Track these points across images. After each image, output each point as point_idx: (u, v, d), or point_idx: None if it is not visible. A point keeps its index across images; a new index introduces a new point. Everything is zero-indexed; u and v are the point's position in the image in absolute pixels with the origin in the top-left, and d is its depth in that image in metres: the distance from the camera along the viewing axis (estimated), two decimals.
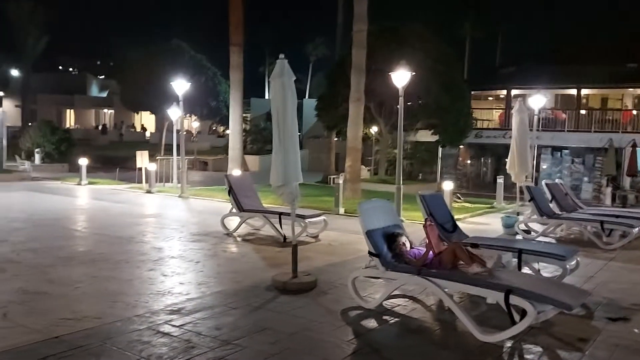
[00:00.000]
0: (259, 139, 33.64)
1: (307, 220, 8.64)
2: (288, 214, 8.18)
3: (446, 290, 4.88)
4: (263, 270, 6.86)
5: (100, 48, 66.89)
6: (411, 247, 5.31)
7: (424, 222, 5.35)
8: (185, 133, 17.98)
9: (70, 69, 63.53)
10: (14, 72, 41.28)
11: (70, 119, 50.61)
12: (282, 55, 6.02)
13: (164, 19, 72.22)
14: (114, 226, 9.85)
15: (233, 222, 9.43)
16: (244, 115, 24.37)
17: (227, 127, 21.70)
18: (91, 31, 70.60)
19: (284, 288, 5.92)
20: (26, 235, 8.60)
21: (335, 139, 24.97)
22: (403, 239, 5.28)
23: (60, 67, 61.63)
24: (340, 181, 12.57)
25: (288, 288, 5.91)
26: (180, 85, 16.05)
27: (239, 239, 8.91)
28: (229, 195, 9.33)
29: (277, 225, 8.70)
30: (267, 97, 54.12)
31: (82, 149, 25.42)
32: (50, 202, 13.13)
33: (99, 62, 66.01)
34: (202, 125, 52.26)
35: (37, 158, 23.76)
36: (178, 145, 16.67)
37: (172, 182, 17.47)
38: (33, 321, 4.68)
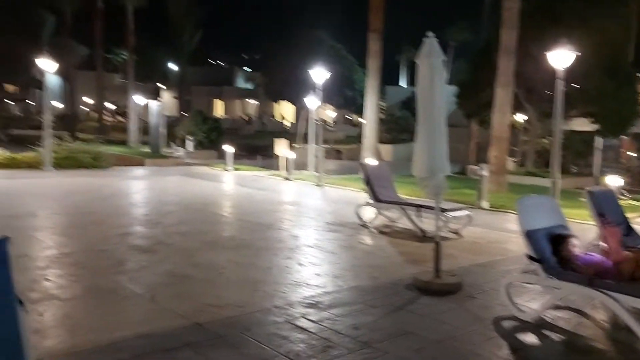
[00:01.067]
0: (393, 128, 33.13)
1: (448, 215, 8.04)
2: (428, 207, 7.68)
3: (624, 305, 4.07)
4: (401, 267, 6.47)
5: (247, 42, 71.07)
6: (582, 253, 4.53)
7: (601, 223, 4.53)
8: (321, 122, 18.14)
9: (220, 62, 68.38)
10: (173, 66, 45.41)
11: (219, 109, 54.48)
12: (430, 34, 5.45)
13: (308, 9, 74.17)
14: (255, 212, 10.13)
15: (368, 212, 9.14)
16: (379, 103, 24.06)
17: (362, 117, 21.53)
18: (239, 26, 75.10)
19: (426, 288, 5.45)
20: (177, 218, 9.14)
21: (476, 127, 23.53)
22: (574, 241, 4.51)
23: (210, 61, 66.60)
24: (484, 173, 11.66)
25: (431, 288, 5.44)
26: (319, 73, 16.16)
27: (374, 231, 8.58)
28: (366, 185, 9.05)
29: (415, 218, 8.22)
30: (402, 85, 53.21)
31: (229, 137, 27.01)
32: (200, 186, 13.99)
33: (245, 56, 70.26)
34: (338, 114, 53.01)
35: (190, 145, 25.75)
36: (315, 134, 16.86)
37: (309, 170, 17.78)
38: (178, 305, 4.79)
